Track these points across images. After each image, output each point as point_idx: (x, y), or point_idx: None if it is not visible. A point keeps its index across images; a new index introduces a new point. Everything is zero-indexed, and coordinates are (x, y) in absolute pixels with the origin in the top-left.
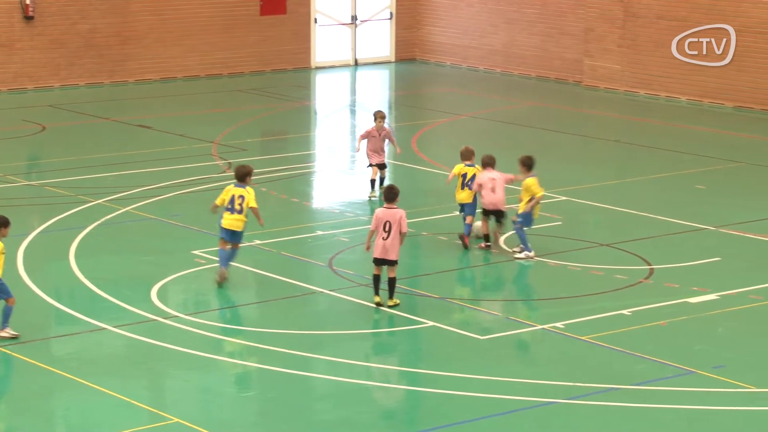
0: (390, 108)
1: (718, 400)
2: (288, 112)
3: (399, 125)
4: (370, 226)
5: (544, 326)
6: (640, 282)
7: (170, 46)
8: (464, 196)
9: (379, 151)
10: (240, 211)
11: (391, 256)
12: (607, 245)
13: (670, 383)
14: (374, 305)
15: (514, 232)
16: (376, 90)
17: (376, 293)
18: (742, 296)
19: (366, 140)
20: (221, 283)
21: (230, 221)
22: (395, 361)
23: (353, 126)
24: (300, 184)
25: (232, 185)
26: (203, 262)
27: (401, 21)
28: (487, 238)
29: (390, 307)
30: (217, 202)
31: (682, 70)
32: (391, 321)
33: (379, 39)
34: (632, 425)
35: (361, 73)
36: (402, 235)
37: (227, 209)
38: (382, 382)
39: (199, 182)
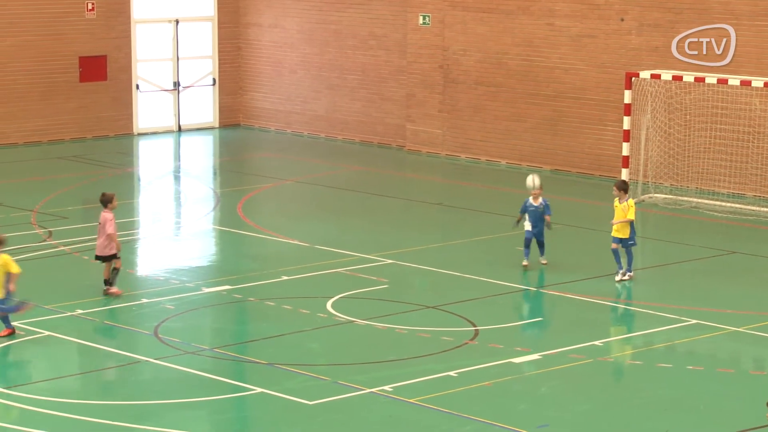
0: (215, 174)
1: None
2: (110, 179)
3: (224, 191)
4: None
5: (373, 390)
6: (466, 343)
7: None
8: None
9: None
10: None
11: (106, 252)
12: (433, 307)
13: None
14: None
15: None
16: (200, 156)
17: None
18: (563, 355)
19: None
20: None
21: None
22: (222, 428)
23: (177, 192)
24: (124, 251)
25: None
26: (23, 333)
27: (224, 87)
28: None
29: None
30: None
31: (500, 134)
32: (219, 388)
33: (203, 105)
34: None
35: (185, 139)
36: (109, 236)
37: None
38: None
39: (18, 251)
